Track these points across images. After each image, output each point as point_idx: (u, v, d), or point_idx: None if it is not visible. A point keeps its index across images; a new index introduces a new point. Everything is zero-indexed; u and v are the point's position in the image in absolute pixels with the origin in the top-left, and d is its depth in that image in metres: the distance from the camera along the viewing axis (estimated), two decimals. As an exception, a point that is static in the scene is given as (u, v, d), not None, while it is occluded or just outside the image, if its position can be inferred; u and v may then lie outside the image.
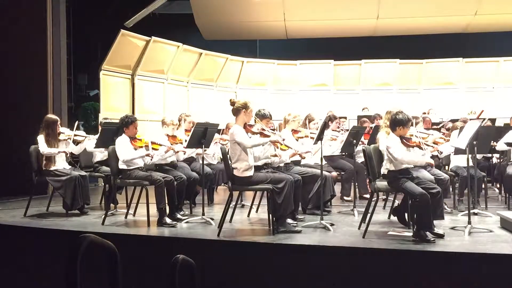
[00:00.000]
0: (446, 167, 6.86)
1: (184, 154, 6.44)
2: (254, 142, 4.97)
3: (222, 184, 7.31)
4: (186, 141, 5.99)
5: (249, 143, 4.92)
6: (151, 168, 5.82)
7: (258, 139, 5.04)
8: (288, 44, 14.26)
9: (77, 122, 6.57)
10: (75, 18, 13.51)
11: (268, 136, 5.23)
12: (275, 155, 5.41)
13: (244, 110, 5.05)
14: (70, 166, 6.35)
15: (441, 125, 8.32)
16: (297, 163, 6.03)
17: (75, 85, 15.10)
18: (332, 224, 5.19)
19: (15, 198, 7.18)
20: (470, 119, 7.17)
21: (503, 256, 4.07)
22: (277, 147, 5.40)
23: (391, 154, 4.64)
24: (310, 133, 6.21)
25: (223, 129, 7.70)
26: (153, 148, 5.72)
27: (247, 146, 4.92)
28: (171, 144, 5.98)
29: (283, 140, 5.44)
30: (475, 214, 5.74)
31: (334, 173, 6.51)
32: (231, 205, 5.36)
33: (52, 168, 6.03)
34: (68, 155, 6.18)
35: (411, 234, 4.61)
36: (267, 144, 5.31)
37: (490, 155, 7.26)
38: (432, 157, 6.30)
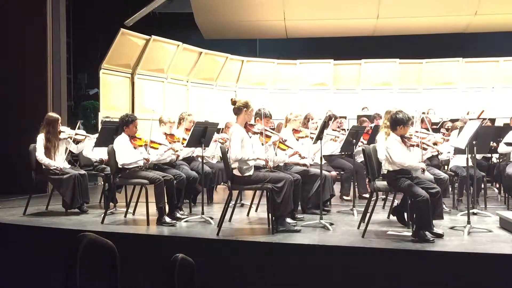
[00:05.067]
0: (446, 167, 6.86)
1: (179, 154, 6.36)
2: (242, 157, 4.86)
3: (222, 183, 7.30)
4: (184, 139, 5.98)
5: (235, 155, 4.85)
6: (150, 167, 5.81)
7: (247, 154, 4.92)
8: (288, 44, 14.26)
9: (79, 122, 6.56)
10: (75, 17, 13.51)
11: (269, 136, 5.26)
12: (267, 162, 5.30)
13: (245, 109, 5.05)
14: (70, 165, 6.34)
15: (439, 124, 8.32)
16: (296, 165, 6.01)
17: (75, 83, 15.10)
18: (331, 224, 5.19)
19: (14, 196, 7.18)
20: (470, 119, 7.17)
21: (502, 256, 4.07)
22: (276, 146, 5.40)
23: (390, 155, 4.64)
24: (311, 133, 6.21)
25: (223, 128, 7.70)
26: (152, 147, 5.71)
27: (231, 157, 4.89)
28: (169, 143, 5.98)
29: (285, 140, 5.44)
30: (474, 214, 5.74)
31: (334, 173, 6.51)
32: (230, 204, 5.35)
33: (52, 167, 6.02)
34: (63, 169, 6.07)
35: (410, 233, 4.61)
36: (268, 145, 5.32)
37: (489, 155, 7.26)
38: (432, 156, 6.32)
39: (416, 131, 5.39)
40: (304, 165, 5.86)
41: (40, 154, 5.95)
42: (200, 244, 4.67)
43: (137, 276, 4.31)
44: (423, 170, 4.77)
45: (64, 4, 8.86)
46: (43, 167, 6.01)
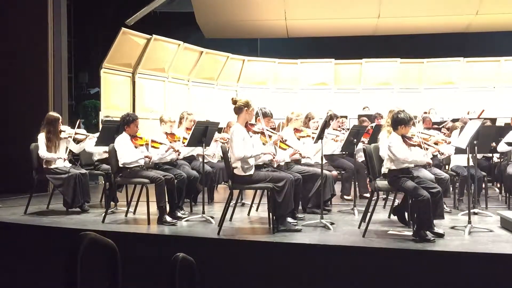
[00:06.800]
0: (447, 167, 6.85)
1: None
2: (245, 155, 4.87)
3: (223, 182, 7.30)
4: (185, 138, 5.98)
5: (238, 154, 4.85)
6: (151, 166, 5.82)
7: (250, 151, 4.93)
8: (289, 43, 14.26)
9: (79, 120, 6.57)
10: (76, 16, 13.52)
11: (270, 136, 5.25)
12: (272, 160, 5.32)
13: (246, 108, 5.05)
14: (71, 164, 6.34)
15: (442, 125, 8.31)
16: (297, 162, 6.02)
17: (76, 83, 15.12)
18: (332, 223, 5.19)
19: (15, 195, 7.19)
20: (470, 119, 7.16)
21: (503, 255, 4.07)
22: (277, 146, 5.40)
23: (393, 153, 4.64)
24: (312, 132, 6.21)
25: (224, 128, 7.70)
26: (153, 147, 5.72)
27: (235, 156, 4.90)
28: (170, 142, 5.98)
29: (285, 140, 5.44)
30: (475, 213, 5.74)
31: (335, 172, 6.50)
32: (231, 203, 5.36)
33: (53, 166, 6.03)
34: (67, 159, 6.10)
35: (411, 233, 4.61)
36: (269, 145, 5.31)
37: (490, 154, 7.25)
38: (433, 156, 6.30)
39: (418, 131, 5.38)
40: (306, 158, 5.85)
41: (42, 151, 5.96)
42: (200, 243, 4.67)
43: (138, 276, 4.31)
44: (429, 164, 4.75)
45: (65, 4, 8.86)
46: (44, 166, 6.01)
